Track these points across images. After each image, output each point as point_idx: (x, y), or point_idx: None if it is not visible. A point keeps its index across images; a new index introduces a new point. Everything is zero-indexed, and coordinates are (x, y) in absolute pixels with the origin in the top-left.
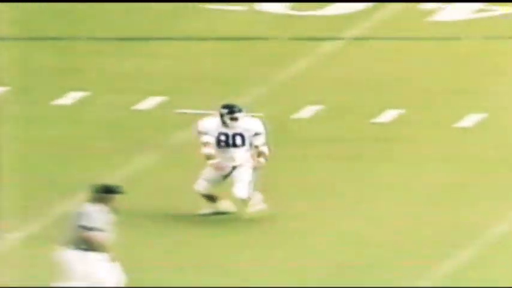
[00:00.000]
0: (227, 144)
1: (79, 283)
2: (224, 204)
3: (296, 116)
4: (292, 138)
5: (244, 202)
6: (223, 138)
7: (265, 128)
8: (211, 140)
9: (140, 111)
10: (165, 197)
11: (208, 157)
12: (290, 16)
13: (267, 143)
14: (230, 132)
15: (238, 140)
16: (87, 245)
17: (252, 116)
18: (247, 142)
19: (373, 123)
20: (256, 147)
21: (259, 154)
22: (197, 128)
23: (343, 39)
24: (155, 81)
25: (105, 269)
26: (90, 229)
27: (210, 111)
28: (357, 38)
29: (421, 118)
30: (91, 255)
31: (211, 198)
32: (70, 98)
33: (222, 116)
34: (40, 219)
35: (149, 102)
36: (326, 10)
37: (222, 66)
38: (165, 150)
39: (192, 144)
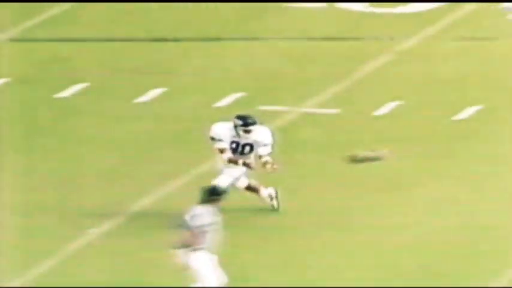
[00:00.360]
0: (235, 152)
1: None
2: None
3: (376, 113)
4: (373, 136)
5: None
6: (233, 146)
7: (273, 139)
8: (226, 145)
9: (220, 108)
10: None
11: (230, 161)
12: (369, 14)
13: (272, 152)
14: (241, 141)
15: (247, 149)
16: (195, 244)
17: (261, 125)
18: (255, 151)
19: (454, 121)
20: (260, 157)
21: (264, 164)
22: (210, 133)
23: (422, 36)
24: (236, 79)
25: (211, 269)
26: (198, 229)
27: (290, 108)
28: (435, 35)
29: (502, 115)
30: (198, 254)
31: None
32: (150, 95)
33: (235, 126)
34: (120, 215)
35: (229, 100)
36: (405, 8)
37: (301, 63)
38: None
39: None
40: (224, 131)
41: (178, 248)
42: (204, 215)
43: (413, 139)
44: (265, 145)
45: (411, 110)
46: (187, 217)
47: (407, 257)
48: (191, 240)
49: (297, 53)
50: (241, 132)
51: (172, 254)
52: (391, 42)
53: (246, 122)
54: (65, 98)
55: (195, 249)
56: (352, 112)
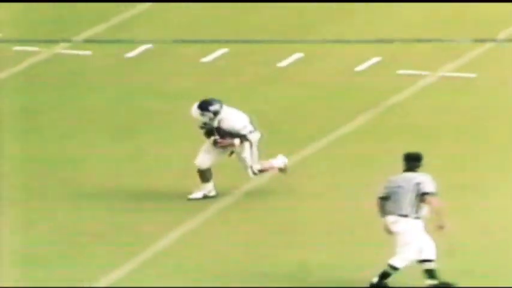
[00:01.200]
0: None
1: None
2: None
3: None
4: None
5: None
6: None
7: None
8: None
9: (359, 72)
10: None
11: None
12: None
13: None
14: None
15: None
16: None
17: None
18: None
19: None
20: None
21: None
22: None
23: None
24: (374, 44)
25: (420, 240)
26: (432, 194)
27: (428, 72)
28: None
29: None
30: (417, 222)
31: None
32: (292, 59)
33: (202, 115)
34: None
35: (367, 64)
36: None
37: (434, 28)
38: (381, 111)
39: (408, 107)
40: (197, 115)
41: (391, 214)
42: (431, 180)
43: None
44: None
45: None
46: (418, 184)
47: None
48: (439, 207)
49: (429, 17)
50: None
51: (386, 221)
52: None
53: (199, 106)
54: (209, 62)
55: (417, 217)
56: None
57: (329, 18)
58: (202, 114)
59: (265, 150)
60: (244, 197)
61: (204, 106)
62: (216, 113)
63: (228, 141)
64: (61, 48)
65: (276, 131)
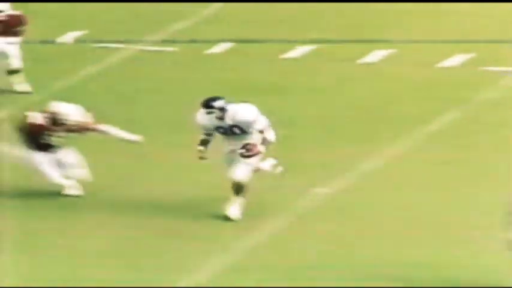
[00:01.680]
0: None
1: None
2: None
3: None
4: None
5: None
6: (221, 131)
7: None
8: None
9: (446, 68)
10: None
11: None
12: None
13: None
14: (225, 124)
15: (237, 131)
16: None
17: None
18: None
19: None
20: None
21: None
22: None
23: None
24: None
25: None
26: None
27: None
28: None
29: None
30: None
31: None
32: (375, 56)
33: (208, 113)
34: (346, 174)
35: (455, 60)
36: None
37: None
38: (471, 107)
39: (496, 103)
40: (205, 120)
41: None
42: None
43: None
44: (251, 122)
45: None
46: None
47: None
48: None
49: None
50: (216, 115)
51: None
52: None
53: (203, 104)
54: (293, 58)
55: None
56: None
57: (417, 15)
58: (209, 113)
59: (351, 149)
60: (341, 193)
61: (208, 104)
62: (222, 109)
63: (257, 148)
64: (143, 45)
65: (359, 128)
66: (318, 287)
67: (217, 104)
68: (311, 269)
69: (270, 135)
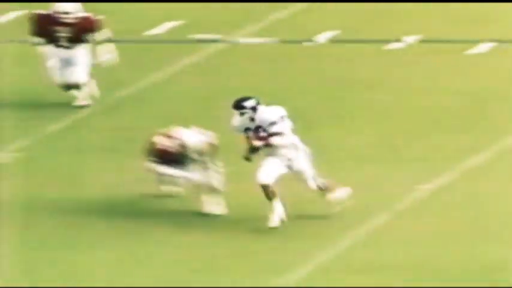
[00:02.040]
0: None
1: None
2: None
3: None
4: None
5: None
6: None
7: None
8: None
9: None
10: None
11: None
12: None
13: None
14: (252, 126)
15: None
16: None
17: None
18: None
19: None
20: None
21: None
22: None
23: None
24: None
25: None
26: None
27: None
28: None
29: None
30: None
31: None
32: (483, 48)
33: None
34: (448, 172)
35: None
36: None
37: None
38: None
39: None
40: (237, 122)
41: None
42: None
43: None
44: (271, 123)
45: None
46: None
47: None
48: None
49: None
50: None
51: None
52: None
53: (234, 106)
54: (395, 50)
55: None
56: None
57: None
58: (242, 114)
59: (456, 142)
60: (444, 189)
61: (239, 105)
62: (254, 109)
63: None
64: (239, 37)
65: (467, 121)
66: (418, 287)
67: (249, 103)
68: (411, 268)
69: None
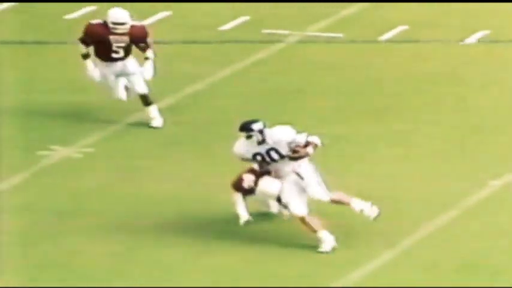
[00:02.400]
0: (264, 162)
1: None
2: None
3: None
4: None
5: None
6: (259, 158)
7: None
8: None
9: None
10: None
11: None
12: None
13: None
14: (263, 150)
15: (274, 155)
16: None
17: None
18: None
19: None
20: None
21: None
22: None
23: None
24: None
25: None
26: None
27: None
28: None
29: None
30: None
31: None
32: None
33: (247, 137)
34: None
35: None
36: None
37: None
38: None
39: None
40: (243, 148)
41: None
42: None
43: None
44: (289, 143)
45: None
46: None
47: None
48: None
49: None
50: (256, 139)
51: None
52: None
53: (241, 128)
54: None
55: None
56: None
57: None
58: (249, 137)
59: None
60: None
61: (247, 127)
62: (261, 132)
63: (305, 150)
64: (309, 31)
65: None
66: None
67: (256, 126)
68: (478, 266)
69: (315, 140)
